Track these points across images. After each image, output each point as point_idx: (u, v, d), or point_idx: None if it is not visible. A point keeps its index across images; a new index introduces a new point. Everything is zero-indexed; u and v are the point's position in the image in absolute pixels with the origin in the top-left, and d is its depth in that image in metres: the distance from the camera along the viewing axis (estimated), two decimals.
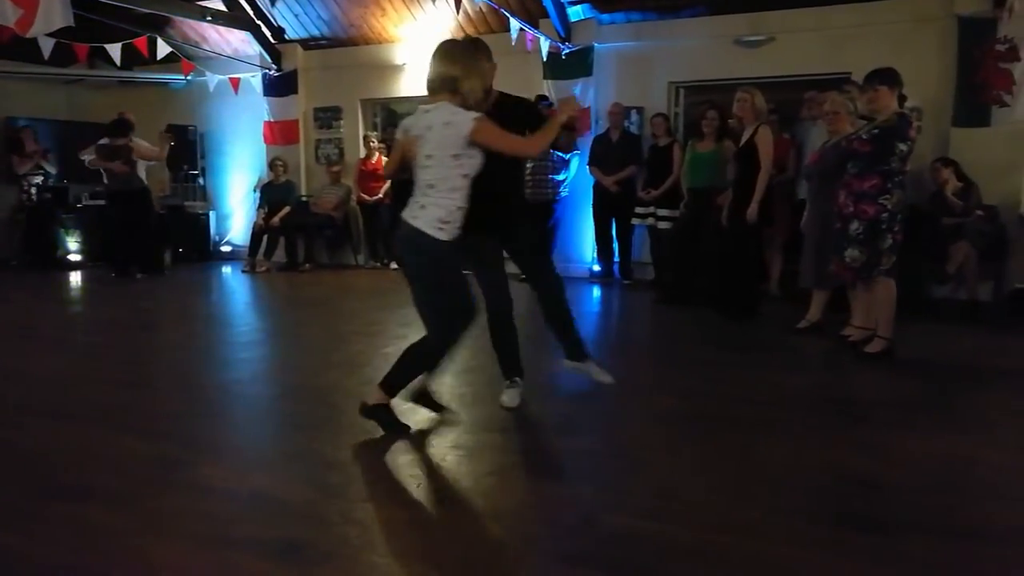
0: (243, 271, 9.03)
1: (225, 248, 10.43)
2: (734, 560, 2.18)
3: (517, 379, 3.61)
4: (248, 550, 2.24)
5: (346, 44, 9.48)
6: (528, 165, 7.01)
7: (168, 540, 2.31)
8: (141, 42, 8.06)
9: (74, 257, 9.31)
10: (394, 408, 3.24)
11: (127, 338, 5.54)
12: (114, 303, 7.11)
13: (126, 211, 8.22)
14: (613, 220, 7.74)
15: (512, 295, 3.53)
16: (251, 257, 9.13)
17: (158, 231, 8.96)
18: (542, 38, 7.74)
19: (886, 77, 4.45)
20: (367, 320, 6.09)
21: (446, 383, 3.97)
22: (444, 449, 3.06)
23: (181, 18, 9.10)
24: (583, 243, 8.26)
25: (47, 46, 7.13)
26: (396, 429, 3.19)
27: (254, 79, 9.68)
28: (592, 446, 3.18)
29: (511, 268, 3.57)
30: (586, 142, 7.87)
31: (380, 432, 3.18)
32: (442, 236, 3.04)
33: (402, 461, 2.97)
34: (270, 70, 9.67)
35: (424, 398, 3.39)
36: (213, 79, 9.38)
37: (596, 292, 7.48)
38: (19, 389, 4.03)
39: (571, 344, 3.76)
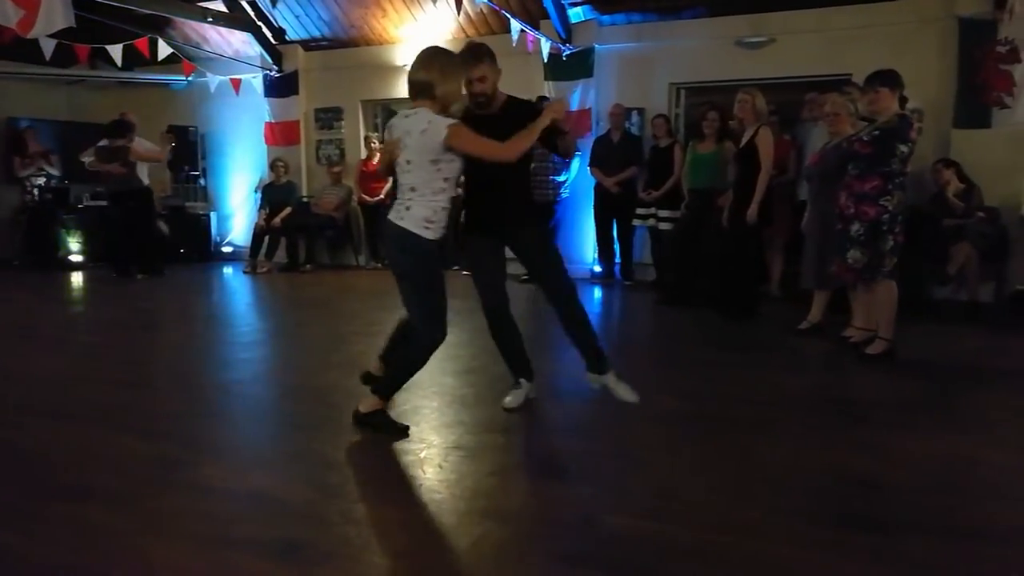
0: (244, 272, 9.03)
1: (226, 249, 10.43)
2: (734, 560, 2.18)
3: (522, 380, 3.60)
4: (248, 550, 2.24)
5: (347, 45, 9.49)
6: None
7: (168, 540, 2.31)
8: (142, 43, 8.05)
9: (75, 257, 9.31)
10: (389, 411, 3.26)
11: (128, 338, 5.54)
12: (115, 303, 7.12)
13: (127, 212, 8.23)
14: (614, 221, 7.75)
15: (509, 294, 3.51)
16: (252, 258, 9.13)
17: (158, 236, 8.97)
18: (543, 39, 7.74)
19: (887, 79, 4.44)
20: (367, 321, 6.09)
21: (447, 384, 3.98)
22: (445, 449, 3.06)
23: (182, 19, 9.11)
24: (584, 244, 8.26)
25: (48, 47, 7.13)
26: (395, 431, 3.20)
27: (255, 80, 9.69)
28: (592, 446, 3.18)
29: (514, 269, 3.57)
30: (587, 143, 7.88)
31: (380, 432, 3.18)
32: (429, 235, 3.10)
33: (402, 461, 2.97)
34: (271, 71, 9.68)
35: (371, 378, 3.55)
36: (214, 80, 9.38)
37: (597, 293, 7.47)
38: (19, 389, 4.04)
39: (590, 354, 3.57)
